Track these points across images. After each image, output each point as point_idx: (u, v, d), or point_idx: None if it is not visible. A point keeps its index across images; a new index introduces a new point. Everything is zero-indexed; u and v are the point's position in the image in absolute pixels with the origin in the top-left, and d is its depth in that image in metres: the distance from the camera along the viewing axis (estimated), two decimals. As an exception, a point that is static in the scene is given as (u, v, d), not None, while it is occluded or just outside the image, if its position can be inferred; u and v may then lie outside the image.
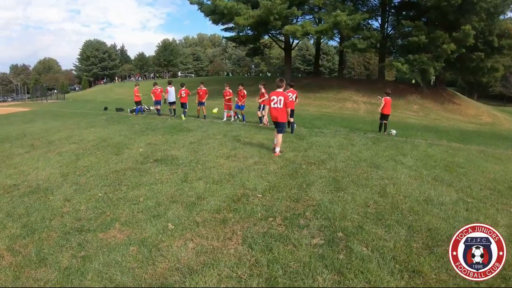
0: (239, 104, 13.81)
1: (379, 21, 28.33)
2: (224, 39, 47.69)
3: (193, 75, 74.19)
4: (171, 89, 15.70)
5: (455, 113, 23.86)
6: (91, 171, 6.57)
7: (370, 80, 40.18)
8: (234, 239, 3.56)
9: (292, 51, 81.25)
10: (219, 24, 30.08)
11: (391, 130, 12.65)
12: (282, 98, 7.29)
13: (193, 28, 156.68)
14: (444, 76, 27.63)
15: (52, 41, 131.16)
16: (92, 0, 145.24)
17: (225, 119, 14.08)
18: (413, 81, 31.67)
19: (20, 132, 13.22)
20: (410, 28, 23.62)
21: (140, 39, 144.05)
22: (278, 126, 7.45)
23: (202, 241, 3.54)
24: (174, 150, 8.06)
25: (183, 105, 14.94)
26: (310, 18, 28.36)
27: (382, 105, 12.61)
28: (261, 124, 12.73)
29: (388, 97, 12.72)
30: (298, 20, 28.04)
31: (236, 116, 14.30)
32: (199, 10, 28.49)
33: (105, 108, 22.81)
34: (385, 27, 28.06)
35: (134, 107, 18.48)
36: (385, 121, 12.61)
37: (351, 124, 15.43)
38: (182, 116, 14.73)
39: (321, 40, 34.88)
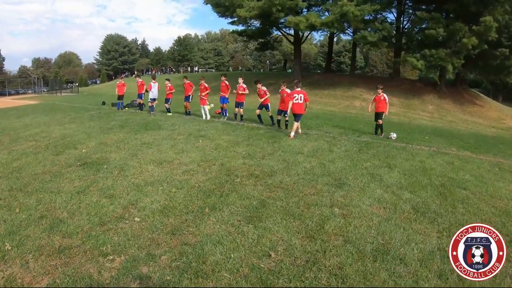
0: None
1: (395, 14, 26.05)
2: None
3: (213, 70, 73.51)
4: (155, 85, 14.83)
5: (475, 116, 21.45)
6: (15, 173, 6.20)
7: (384, 78, 37.65)
8: (46, 278, 2.91)
9: (315, 47, 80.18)
10: (228, 18, 28.83)
11: (391, 133, 10.88)
12: (302, 95, 9.34)
13: (217, 23, 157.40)
14: (465, 75, 24.90)
15: (78, 35, 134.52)
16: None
17: (209, 117, 12.96)
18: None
19: (1, 127, 13.22)
20: (427, 22, 21.28)
21: (165, 33, 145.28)
22: (297, 117, 9.40)
23: (19, 272, 3.00)
24: (116, 151, 7.41)
25: (166, 101, 14.45)
26: (318, 10, 26.51)
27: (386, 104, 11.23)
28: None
29: (378, 94, 11.10)
30: (309, 12, 26.24)
31: (222, 113, 13.13)
32: (204, 3, 27.38)
33: (103, 103, 22.50)
34: (401, 20, 25.75)
35: (130, 102, 18.19)
36: (377, 121, 11.10)
37: (350, 125, 13.85)
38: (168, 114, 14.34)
39: (334, 34, 32.85)
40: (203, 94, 12.78)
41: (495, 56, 20.69)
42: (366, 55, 78.67)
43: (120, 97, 17.27)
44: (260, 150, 7.32)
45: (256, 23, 28.91)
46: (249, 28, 29.78)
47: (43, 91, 48.76)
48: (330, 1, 23.22)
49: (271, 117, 11.49)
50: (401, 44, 26.21)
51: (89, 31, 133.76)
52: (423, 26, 22.32)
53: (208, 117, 12.91)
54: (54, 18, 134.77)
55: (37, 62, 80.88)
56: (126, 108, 17.27)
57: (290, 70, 64.05)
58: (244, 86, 11.93)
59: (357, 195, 4.66)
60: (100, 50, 76.56)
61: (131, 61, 76.13)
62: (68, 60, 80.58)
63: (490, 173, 6.78)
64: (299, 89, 9.47)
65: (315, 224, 3.66)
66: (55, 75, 69.55)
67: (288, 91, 10.80)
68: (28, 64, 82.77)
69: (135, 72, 70.24)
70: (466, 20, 20.25)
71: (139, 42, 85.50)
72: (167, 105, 14.50)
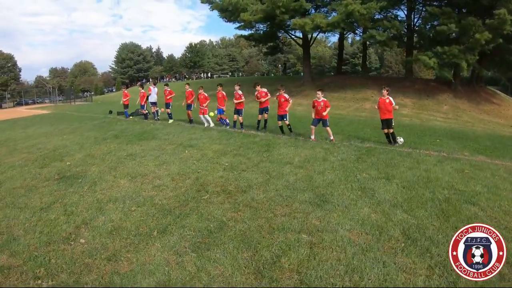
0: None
1: (405, 11, 25.00)
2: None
3: (228, 75, 73.72)
4: (154, 89, 14.80)
5: (492, 115, 20.19)
6: (-5, 187, 6.24)
7: (397, 78, 36.21)
8: None
9: (329, 50, 79.01)
10: (235, 23, 28.41)
11: (398, 137, 9.74)
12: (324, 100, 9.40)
13: (231, 29, 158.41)
14: (481, 72, 23.48)
15: (96, 45, 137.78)
16: (133, 5, 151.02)
17: (212, 124, 12.60)
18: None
19: (3, 138, 13.62)
20: (438, 19, 20.16)
21: (180, 40, 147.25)
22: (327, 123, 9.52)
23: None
24: (99, 164, 7.28)
25: (167, 106, 14.40)
26: (326, 11, 25.80)
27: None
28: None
29: (383, 97, 9.44)
30: (317, 13, 25.54)
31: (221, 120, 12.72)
32: (210, 9, 27.11)
33: (110, 112, 22.61)
34: (412, 17, 24.65)
35: (135, 111, 18.03)
36: (385, 130, 9.61)
37: (356, 129, 13.00)
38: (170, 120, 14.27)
39: (344, 35, 32.04)
40: (204, 105, 12.43)
41: (511, 51, 19.38)
42: (381, 55, 77.01)
43: (126, 106, 17.34)
44: (246, 160, 6.84)
45: (263, 27, 28.43)
46: (257, 32, 29.34)
47: (59, 100, 50.01)
48: (338, 1, 22.39)
49: (283, 126, 10.72)
50: (413, 42, 25.16)
51: (105, 40, 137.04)
52: (435, 23, 21.26)
53: (212, 124, 12.50)
54: (71, 29, 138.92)
55: (54, 72, 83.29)
56: (131, 117, 17.20)
57: (302, 74, 63.25)
58: (240, 93, 11.36)
59: (337, 216, 4.05)
60: (115, 59, 78.06)
61: (146, 68, 77.20)
62: (84, 69, 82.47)
63: (506, 181, 5.89)
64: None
65: (271, 256, 3.12)
66: (71, 84, 71.37)
67: (286, 96, 10.31)
68: (46, 74, 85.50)
69: (150, 80, 71.14)
70: (479, 14, 19.11)
71: (154, 50, 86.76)
72: (168, 110, 14.39)
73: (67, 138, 11.49)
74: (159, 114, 17.80)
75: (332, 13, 23.56)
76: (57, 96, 50.36)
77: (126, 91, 17.63)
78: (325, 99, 9.48)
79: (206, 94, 12.46)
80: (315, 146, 8.62)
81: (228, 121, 12.72)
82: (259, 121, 11.38)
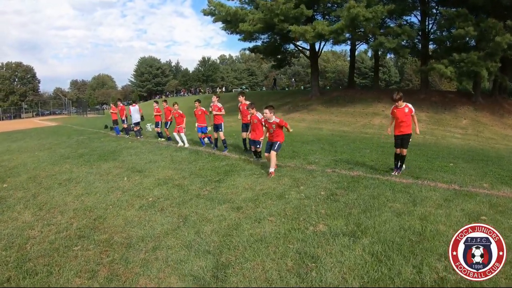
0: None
1: (419, 17, 22.97)
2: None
3: (247, 89, 73.36)
4: (134, 108, 14.00)
5: (517, 130, 17.77)
6: None
7: (412, 90, 33.60)
8: None
9: (348, 63, 76.54)
10: (238, 34, 27.15)
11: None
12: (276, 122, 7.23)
13: (252, 44, 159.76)
14: (503, 81, 20.96)
15: (120, 58, 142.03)
16: (157, 20, 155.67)
17: (187, 145, 11.30)
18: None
19: None
20: (454, 26, 18.06)
21: (202, 55, 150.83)
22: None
23: None
24: (30, 189, 6.48)
25: (156, 125, 13.78)
26: (331, 19, 24.20)
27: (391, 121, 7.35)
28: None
29: (398, 107, 7.02)
30: (323, 20, 23.92)
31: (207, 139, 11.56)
32: (213, 22, 26.12)
33: (105, 127, 22.31)
34: (426, 23, 22.60)
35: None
36: (397, 150, 7.16)
37: (353, 150, 10.60)
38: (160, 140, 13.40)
39: (356, 45, 30.17)
40: (180, 125, 11.23)
41: (537, 56, 17.09)
42: (401, 69, 74.49)
43: (115, 122, 16.79)
44: (179, 194, 5.53)
45: (266, 37, 27.16)
46: (263, 43, 28.04)
47: (73, 112, 51.15)
48: (343, 7, 20.75)
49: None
50: (428, 50, 23.06)
51: (130, 54, 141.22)
52: (451, 29, 19.22)
53: (186, 145, 11.26)
54: (96, 43, 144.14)
55: (74, 84, 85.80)
56: (122, 133, 16.48)
57: (278, 88, 61.23)
58: (220, 105, 10.02)
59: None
60: (134, 73, 79.70)
61: (164, 82, 78.29)
62: (102, 82, 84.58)
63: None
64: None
65: None
66: (89, 96, 72.96)
67: (259, 116, 8.13)
68: (67, 86, 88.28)
69: (167, 93, 71.62)
70: (499, 16, 16.93)
71: (173, 64, 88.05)
72: (157, 129, 13.62)
73: (37, 154, 10.88)
74: (151, 129, 16.99)
75: (339, 20, 21.90)
76: (71, 108, 51.40)
77: (114, 106, 17.20)
78: (279, 119, 7.30)
79: (181, 112, 11.31)
80: (285, 174, 6.96)
81: (207, 140, 11.52)
82: (244, 139, 9.80)
